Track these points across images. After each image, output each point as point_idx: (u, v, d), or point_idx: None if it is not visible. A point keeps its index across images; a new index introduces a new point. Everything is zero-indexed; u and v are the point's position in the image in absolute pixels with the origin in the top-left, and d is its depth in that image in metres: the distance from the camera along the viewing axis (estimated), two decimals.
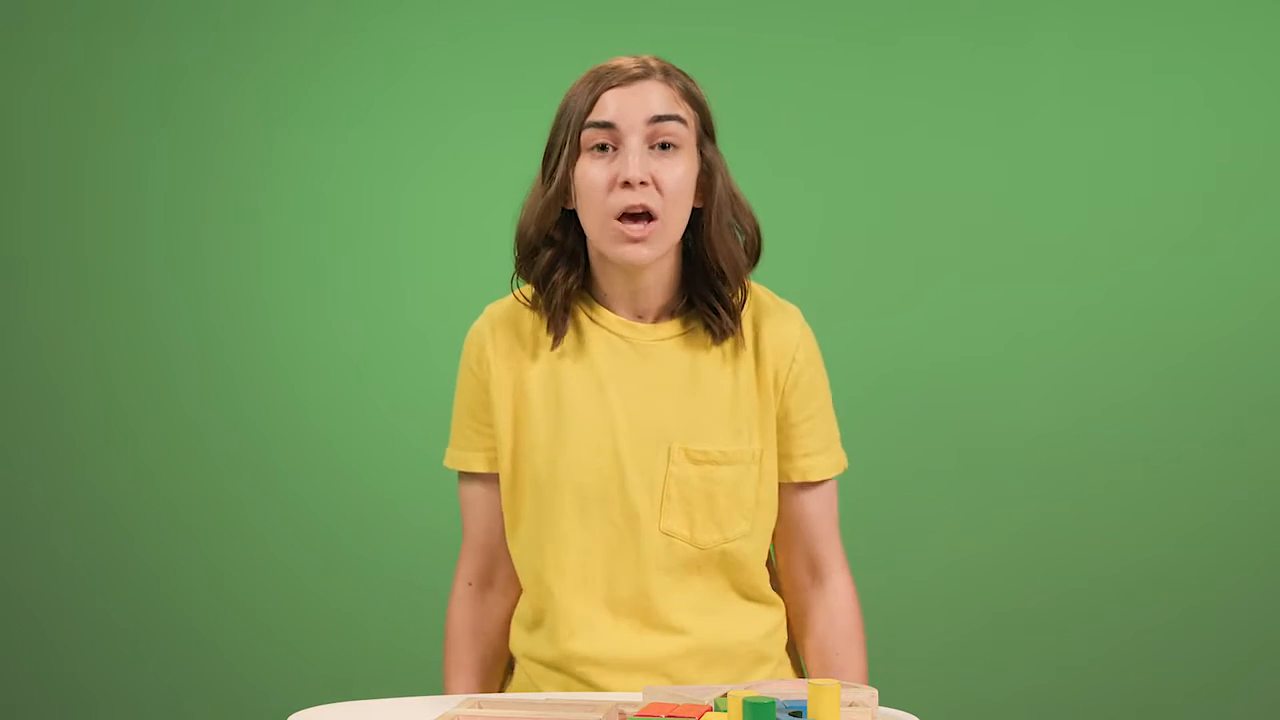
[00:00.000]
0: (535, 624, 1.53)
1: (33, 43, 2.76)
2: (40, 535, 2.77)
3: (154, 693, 2.74)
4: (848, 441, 1.60)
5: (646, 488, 1.46)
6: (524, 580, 1.54)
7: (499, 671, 1.62)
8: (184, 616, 2.74)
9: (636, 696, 1.33)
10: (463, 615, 1.59)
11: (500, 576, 1.59)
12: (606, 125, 1.43)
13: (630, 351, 1.49)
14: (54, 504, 2.77)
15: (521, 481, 1.51)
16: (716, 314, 1.48)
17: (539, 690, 1.51)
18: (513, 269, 1.53)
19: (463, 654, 1.59)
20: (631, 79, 1.43)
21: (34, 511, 2.77)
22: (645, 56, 1.47)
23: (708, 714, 1.15)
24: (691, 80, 1.48)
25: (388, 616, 2.68)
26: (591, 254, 1.51)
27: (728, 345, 1.50)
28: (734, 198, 1.50)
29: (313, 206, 2.73)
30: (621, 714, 1.23)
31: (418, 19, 2.71)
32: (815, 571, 1.56)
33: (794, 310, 1.55)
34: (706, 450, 1.47)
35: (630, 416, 1.47)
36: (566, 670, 1.49)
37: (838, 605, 1.55)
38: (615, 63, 1.46)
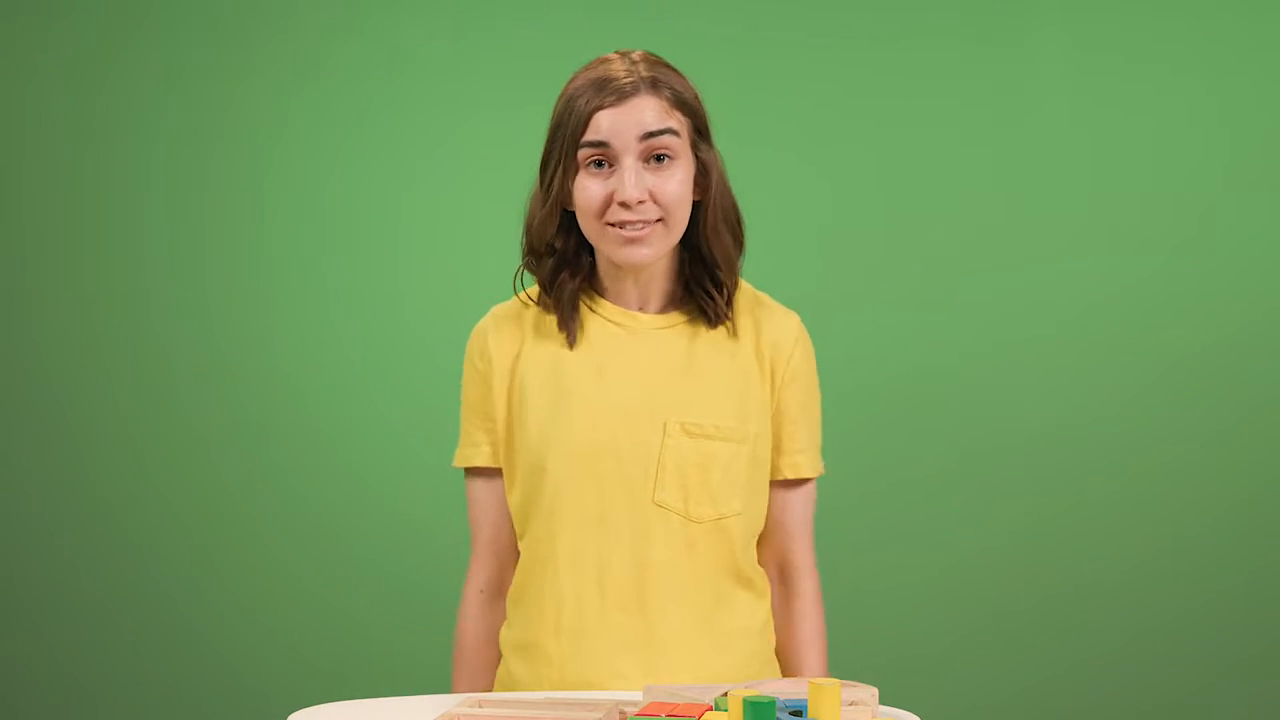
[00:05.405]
0: (518, 598, 1.53)
1: (32, 43, 2.76)
2: (41, 536, 2.77)
3: (154, 692, 2.74)
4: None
5: (642, 461, 1.48)
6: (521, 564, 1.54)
7: None
8: (184, 616, 2.74)
9: (636, 695, 1.33)
10: (474, 624, 1.59)
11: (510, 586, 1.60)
12: (600, 144, 1.46)
13: (628, 337, 1.53)
14: (54, 504, 2.76)
15: (518, 459, 1.52)
16: (712, 299, 1.53)
17: (518, 674, 1.51)
18: (516, 270, 1.57)
19: (473, 664, 1.59)
20: (623, 96, 1.45)
21: (34, 512, 2.77)
22: (634, 57, 1.49)
23: (708, 713, 1.15)
24: (682, 79, 1.50)
25: (387, 616, 2.68)
26: (597, 252, 1.54)
27: (725, 332, 1.54)
28: (727, 193, 1.54)
29: (313, 206, 2.73)
30: (622, 713, 1.23)
31: (418, 19, 2.71)
32: (784, 572, 1.59)
33: (794, 314, 1.59)
34: (701, 424, 1.49)
35: (627, 395, 1.50)
36: (545, 648, 1.49)
37: (800, 608, 1.58)
38: (605, 72, 1.47)
